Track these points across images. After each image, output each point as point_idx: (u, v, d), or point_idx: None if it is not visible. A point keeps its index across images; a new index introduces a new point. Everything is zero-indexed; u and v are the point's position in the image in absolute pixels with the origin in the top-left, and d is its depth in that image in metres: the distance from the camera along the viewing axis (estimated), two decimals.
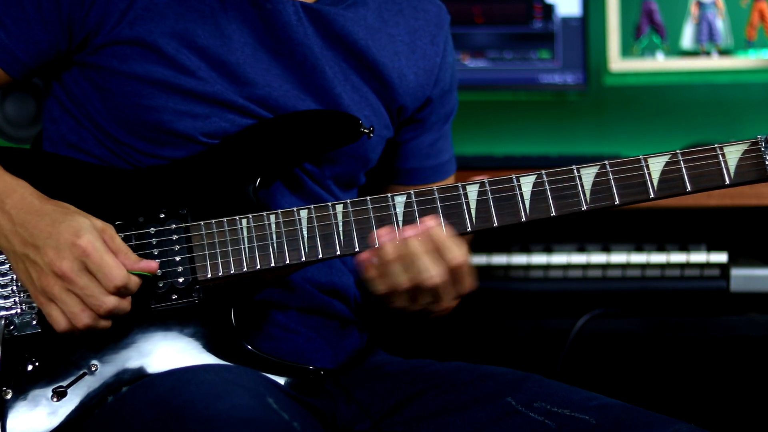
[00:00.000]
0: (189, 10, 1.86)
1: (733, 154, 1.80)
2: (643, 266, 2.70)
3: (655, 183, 1.79)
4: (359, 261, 1.74)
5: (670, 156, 1.79)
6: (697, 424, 1.78)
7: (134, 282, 1.71)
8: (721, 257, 2.69)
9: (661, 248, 2.76)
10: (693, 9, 3.13)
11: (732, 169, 1.79)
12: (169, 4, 1.85)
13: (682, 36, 3.14)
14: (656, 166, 1.79)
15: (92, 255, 1.68)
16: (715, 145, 1.80)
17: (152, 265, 1.74)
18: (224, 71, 1.86)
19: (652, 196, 1.79)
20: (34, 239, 1.70)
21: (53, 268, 1.67)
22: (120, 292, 1.69)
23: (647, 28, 3.15)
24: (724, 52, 3.12)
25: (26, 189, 1.75)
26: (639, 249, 2.76)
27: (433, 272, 1.71)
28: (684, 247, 2.74)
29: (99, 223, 1.72)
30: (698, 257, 2.70)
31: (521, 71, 3.11)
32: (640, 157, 1.79)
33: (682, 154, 1.79)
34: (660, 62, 3.14)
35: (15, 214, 1.72)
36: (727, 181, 1.79)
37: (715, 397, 2.83)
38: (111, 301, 1.68)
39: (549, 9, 3.09)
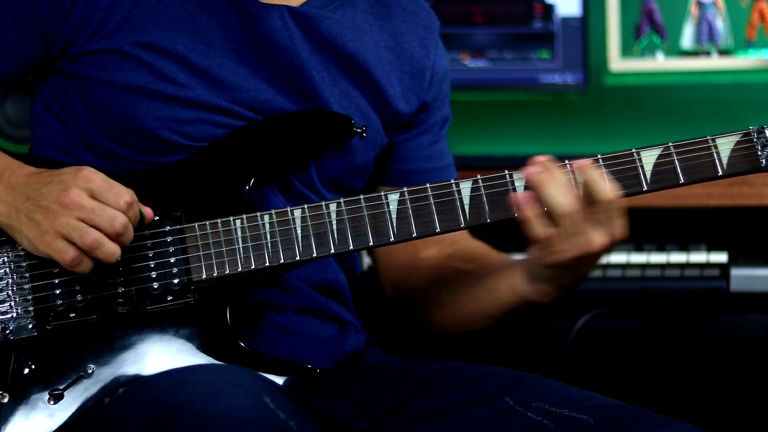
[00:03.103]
0: (169, 18, 1.86)
1: (725, 146, 1.80)
2: (643, 266, 2.70)
3: (648, 175, 1.79)
4: (516, 203, 1.74)
5: (662, 148, 1.79)
6: (696, 424, 1.78)
7: (137, 208, 1.71)
8: (721, 257, 2.69)
9: (661, 248, 2.75)
10: (693, 9, 3.13)
11: (725, 160, 1.79)
12: (148, 13, 1.85)
13: (682, 36, 3.14)
14: (649, 158, 1.78)
15: (96, 179, 1.68)
16: (708, 137, 1.80)
17: (149, 210, 1.75)
18: (205, 77, 1.86)
19: (645, 188, 1.79)
20: (37, 188, 1.70)
21: (60, 200, 1.67)
22: (128, 211, 1.69)
23: (647, 28, 3.15)
24: (724, 52, 3.12)
25: (23, 165, 1.76)
26: (639, 249, 2.76)
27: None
28: (684, 247, 2.74)
29: None
30: (698, 257, 2.70)
31: (521, 71, 3.11)
32: (633, 150, 1.79)
33: (675, 146, 1.79)
34: (660, 62, 3.14)
35: (14, 180, 1.72)
36: (720, 172, 1.79)
37: (715, 397, 2.83)
38: (122, 216, 1.68)
39: (549, 9, 3.09)
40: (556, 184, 1.73)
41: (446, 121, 2.13)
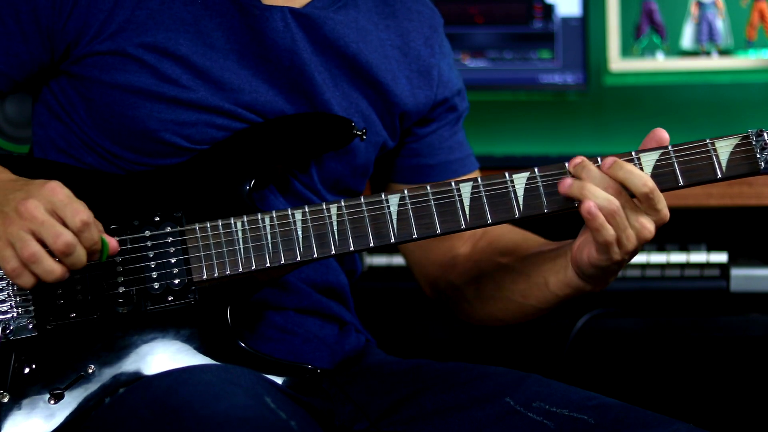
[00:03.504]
0: (171, 19, 1.86)
1: (724, 149, 1.80)
2: (643, 266, 2.70)
3: None
4: (589, 212, 1.72)
5: (661, 151, 1.79)
6: (697, 424, 1.78)
7: (95, 233, 1.65)
8: (721, 257, 2.69)
9: (661, 248, 2.75)
10: (693, 9, 3.13)
11: (724, 163, 1.80)
12: (150, 14, 1.85)
13: (682, 36, 3.14)
14: (648, 161, 1.79)
15: (60, 193, 1.63)
16: (707, 140, 1.80)
17: (114, 242, 1.69)
18: (208, 78, 1.86)
19: None
20: (6, 194, 1.66)
21: (18, 208, 1.62)
22: (83, 231, 1.63)
23: (647, 28, 3.15)
24: (724, 52, 3.12)
25: (4, 170, 1.75)
26: None
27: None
28: (684, 247, 2.74)
29: None
30: (698, 257, 2.70)
31: (521, 71, 3.11)
32: (632, 152, 1.79)
33: (674, 148, 1.79)
34: (660, 62, 3.14)
35: None
36: (719, 175, 1.79)
37: (715, 397, 2.83)
38: (69, 235, 1.61)
39: (549, 9, 3.09)
40: (595, 187, 1.73)
41: (462, 114, 2.14)
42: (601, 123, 3.23)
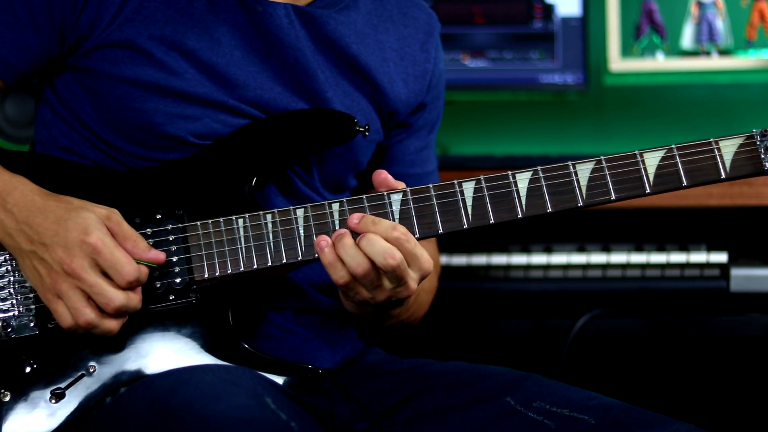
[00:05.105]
0: (179, 13, 1.86)
1: (728, 148, 1.80)
2: (643, 266, 2.70)
3: (651, 178, 1.79)
4: (316, 247, 1.73)
5: (665, 151, 1.79)
6: (697, 424, 1.78)
7: (145, 273, 1.72)
8: (721, 257, 2.69)
9: (661, 248, 2.75)
10: (693, 9, 3.13)
11: (728, 163, 1.79)
12: (158, 7, 1.85)
13: (682, 36, 3.14)
14: (652, 160, 1.78)
15: (103, 252, 1.68)
16: (711, 140, 1.80)
17: (160, 256, 1.74)
18: (213, 74, 1.86)
19: (648, 191, 1.79)
20: (41, 237, 1.70)
21: (63, 267, 1.68)
22: (132, 285, 1.70)
23: (647, 28, 3.15)
24: (724, 52, 3.12)
25: (26, 186, 1.75)
26: (639, 249, 2.76)
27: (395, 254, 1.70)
28: (684, 247, 2.74)
29: (103, 210, 1.72)
30: (698, 257, 2.69)
31: (521, 71, 3.11)
32: (636, 152, 1.79)
33: (678, 148, 1.79)
34: (660, 62, 3.14)
35: (18, 212, 1.72)
36: (723, 175, 1.79)
37: (715, 397, 2.84)
38: (120, 298, 1.68)
39: (549, 9, 3.09)
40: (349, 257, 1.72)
41: (435, 124, 2.14)
42: (601, 123, 3.23)
